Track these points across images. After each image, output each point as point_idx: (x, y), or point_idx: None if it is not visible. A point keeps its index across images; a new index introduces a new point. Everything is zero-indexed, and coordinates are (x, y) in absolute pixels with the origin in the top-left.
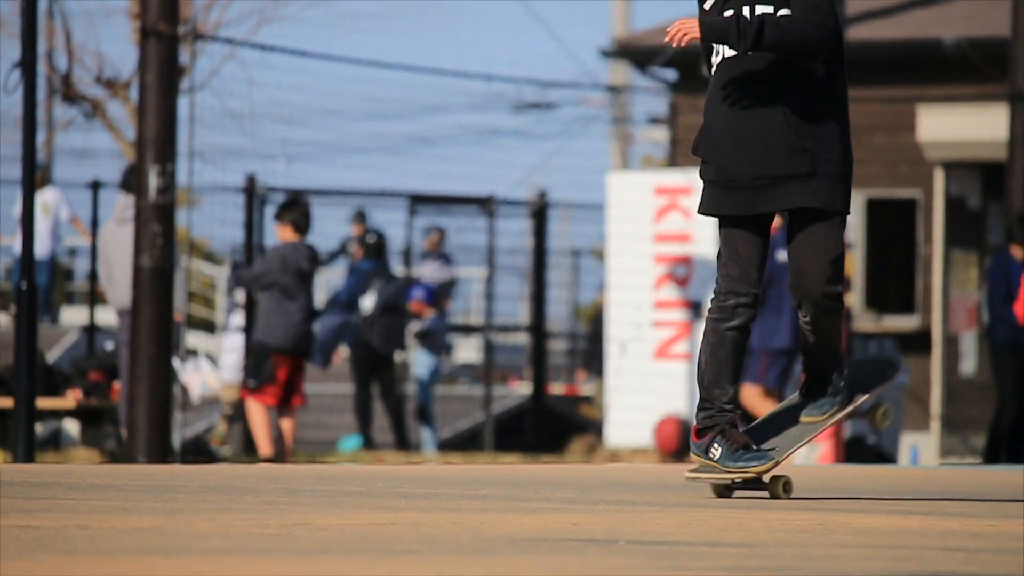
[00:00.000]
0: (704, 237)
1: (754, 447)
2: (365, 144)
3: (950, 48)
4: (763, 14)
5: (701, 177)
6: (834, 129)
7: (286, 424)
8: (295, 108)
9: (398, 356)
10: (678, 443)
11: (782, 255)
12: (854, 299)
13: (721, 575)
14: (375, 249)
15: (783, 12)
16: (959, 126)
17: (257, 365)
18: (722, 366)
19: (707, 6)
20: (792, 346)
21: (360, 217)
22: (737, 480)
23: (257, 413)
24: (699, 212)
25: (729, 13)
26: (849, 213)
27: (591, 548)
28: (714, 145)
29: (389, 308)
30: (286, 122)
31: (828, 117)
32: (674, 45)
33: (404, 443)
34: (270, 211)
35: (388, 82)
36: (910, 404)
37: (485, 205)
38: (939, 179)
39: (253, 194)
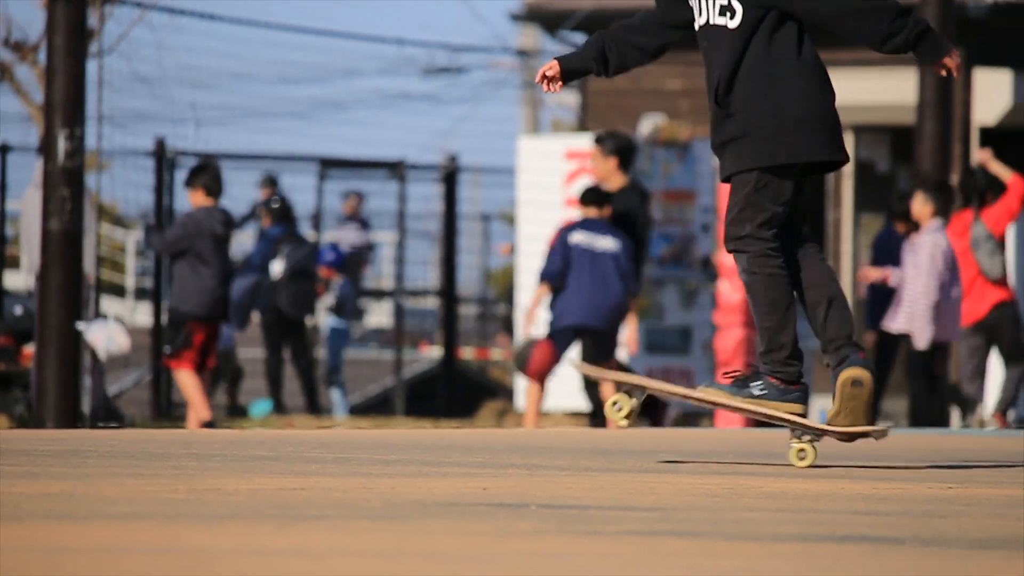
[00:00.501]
0: None
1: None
2: (276, 108)
3: None
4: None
5: None
6: (763, 87)
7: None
8: (205, 72)
9: (309, 321)
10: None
11: (576, 237)
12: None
13: (632, 539)
14: (281, 214)
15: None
16: (868, 90)
17: (174, 331)
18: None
19: None
20: (584, 325)
21: (269, 182)
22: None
23: (186, 379)
24: None
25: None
26: (778, 162)
27: (502, 512)
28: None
29: (297, 273)
30: (196, 86)
31: (759, 76)
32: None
33: (315, 407)
34: (180, 175)
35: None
36: (819, 367)
37: (395, 169)
38: (848, 143)
39: (162, 158)
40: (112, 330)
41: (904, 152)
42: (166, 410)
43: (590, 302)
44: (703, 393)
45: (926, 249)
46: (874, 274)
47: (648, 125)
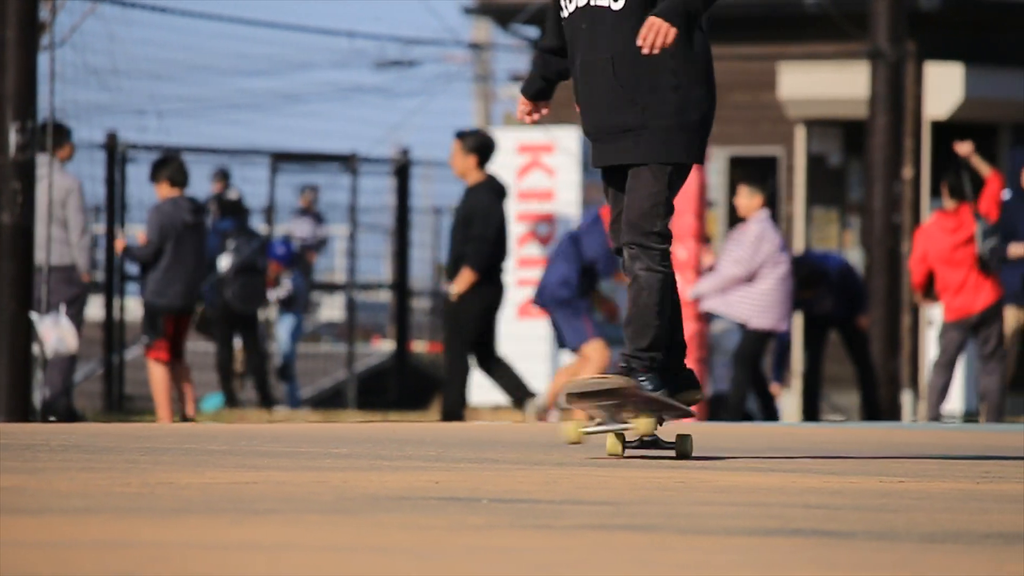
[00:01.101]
0: (566, 196)
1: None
2: (229, 100)
3: (811, 6)
4: None
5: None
6: (669, 80)
7: (183, 373)
8: (158, 64)
9: (261, 314)
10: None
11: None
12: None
13: (585, 533)
14: (231, 208)
15: None
16: (820, 84)
17: (149, 323)
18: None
19: None
20: None
21: (222, 175)
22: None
23: (158, 375)
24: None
25: None
26: (691, 162)
27: (454, 506)
28: (578, 98)
29: (245, 267)
30: (148, 78)
31: (664, 68)
32: (654, 51)
33: (267, 401)
34: (132, 168)
35: (252, 38)
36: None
37: (347, 163)
38: (800, 137)
39: (114, 151)
40: (64, 330)
41: (856, 146)
42: (118, 403)
43: None
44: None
45: (751, 236)
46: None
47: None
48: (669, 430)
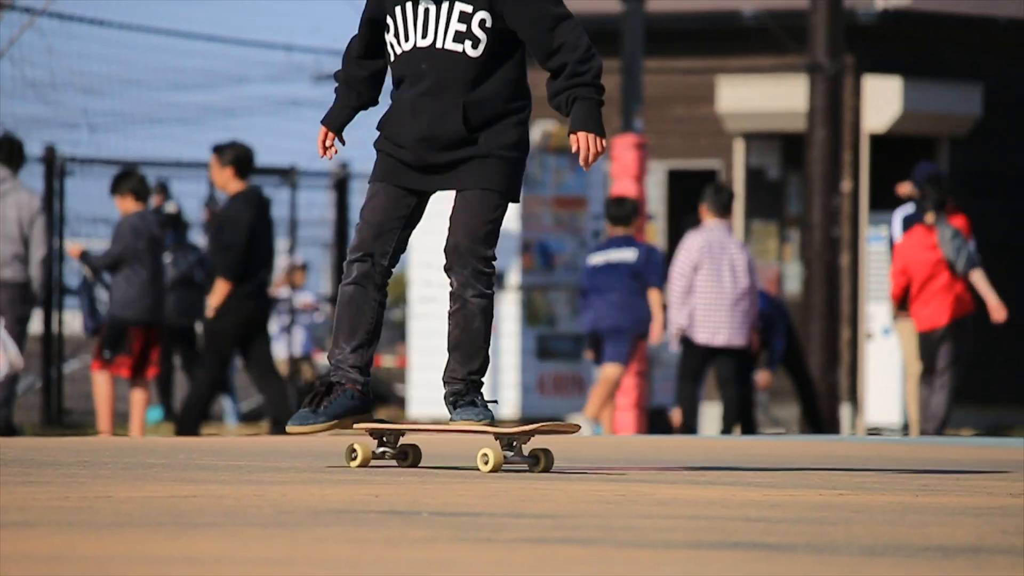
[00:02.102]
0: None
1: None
2: (165, 115)
3: (749, 19)
4: (574, 78)
5: (376, 147)
6: (512, 117)
7: (138, 395)
8: (95, 78)
9: (199, 327)
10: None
11: (595, 259)
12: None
13: (525, 546)
14: (171, 221)
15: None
16: (758, 97)
17: (114, 338)
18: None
19: None
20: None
21: (161, 188)
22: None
23: (102, 387)
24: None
25: (428, 5)
26: (516, 197)
27: (394, 520)
28: (397, 129)
29: (184, 281)
30: (86, 92)
31: (510, 108)
32: (589, 165)
33: (206, 415)
34: (69, 181)
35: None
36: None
37: (286, 176)
38: (739, 150)
39: (52, 164)
40: (10, 352)
41: (795, 159)
42: (56, 417)
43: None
44: (460, 424)
45: (680, 249)
46: None
47: (538, 132)
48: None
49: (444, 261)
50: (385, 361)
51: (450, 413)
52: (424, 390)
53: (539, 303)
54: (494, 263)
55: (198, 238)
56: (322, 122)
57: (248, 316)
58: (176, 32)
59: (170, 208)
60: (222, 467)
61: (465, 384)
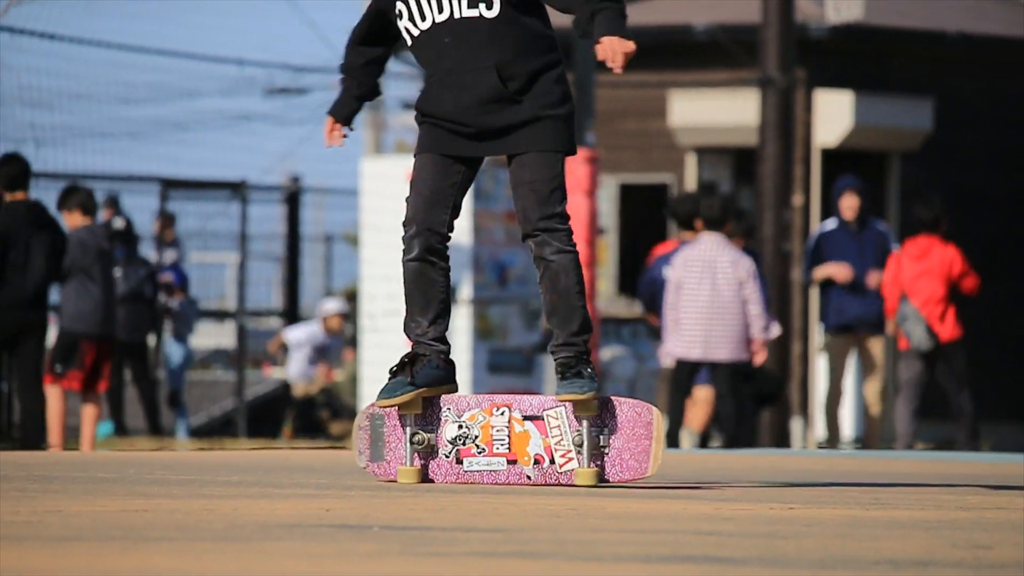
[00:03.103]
0: (458, 223)
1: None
2: (116, 129)
3: (701, 34)
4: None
5: (417, 121)
6: (551, 74)
7: (89, 410)
8: (44, 92)
9: (151, 342)
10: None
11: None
12: (607, 285)
13: (475, 561)
14: (122, 235)
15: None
16: (710, 111)
17: (66, 351)
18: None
19: None
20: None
21: (111, 202)
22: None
23: (53, 401)
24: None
25: None
26: (574, 150)
27: (345, 534)
28: (439, 107)
29: (133, 295)
30: (34, 106)
31: (546, 65)
32: (620, 67)
33: (156, 429)
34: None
35: (139, 66)
36: (663, 389)
37: (238, 190)
38: (691, 164)
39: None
40: None
41: (746, 173)
42: (6, 431)
43: None
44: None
45: (672, 267)
46: None
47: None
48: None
49: (520, 231)
50: (337, 375)
51: (557, 385)
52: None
53: (491, 317)
54: (567, 217)
55: (150, 252)
56: (328, 112)
57: (5, 326)
58: (127, 46)
59: (118, 223)
60: (173, 481)
61: (570, 350)
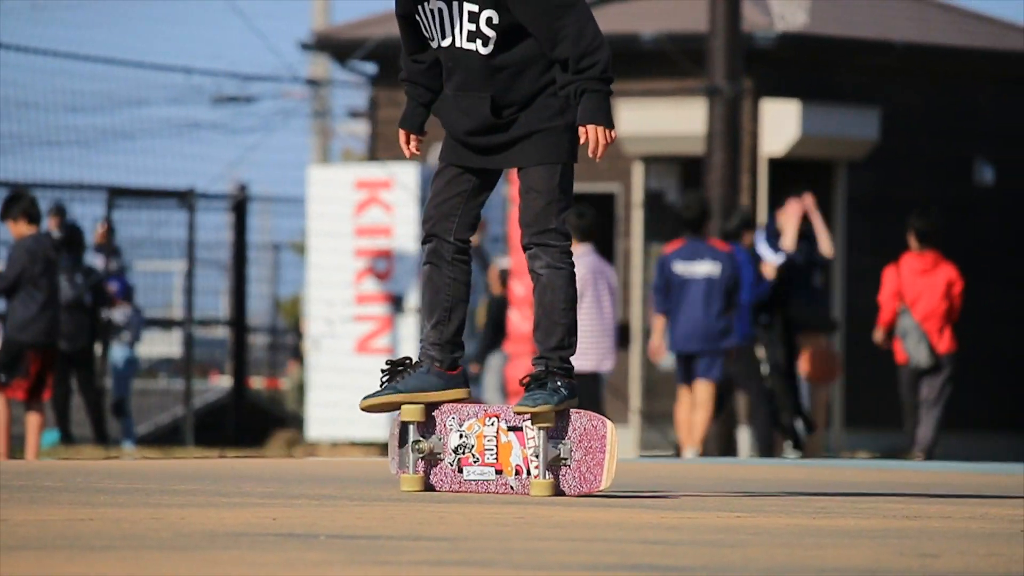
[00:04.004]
0: (404, 232)
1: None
2: (61, 137)
3: (648, 43)
4: (587, 73)
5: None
6: (549, 89)
7: (34, 418)
8: None
9: (97, 350)
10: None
11: (679, 268)
12: None
13: (422, 569)
14: (67, 243)
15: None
16: (657, 120)
17: (10, 360)
18: None
19: None
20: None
21: (58, 211)
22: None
23: (1, 413)
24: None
25: (439, 5)
26: (575, 160)
27: (291, 543)
28: (450, 116)
29: (75, 304)
30: None
31: (543, 80)
32: (599, 157)
33: (102, 438)
34: None
35: (85, 74)
36: (610, 398)
37: (185, 198)
38: (638, 173)
39: None
40: None
41: (693, 182)
42: None
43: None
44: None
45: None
46: None
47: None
48: None
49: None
50: (284, 383)
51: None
52: (323, 409)
53: None
54: (565, 233)
55: (96, 260)
56: (399, 125)
57: None
58: (74, 55)
59: (55, 234)
60: (119, 490)
61: (546, 363)
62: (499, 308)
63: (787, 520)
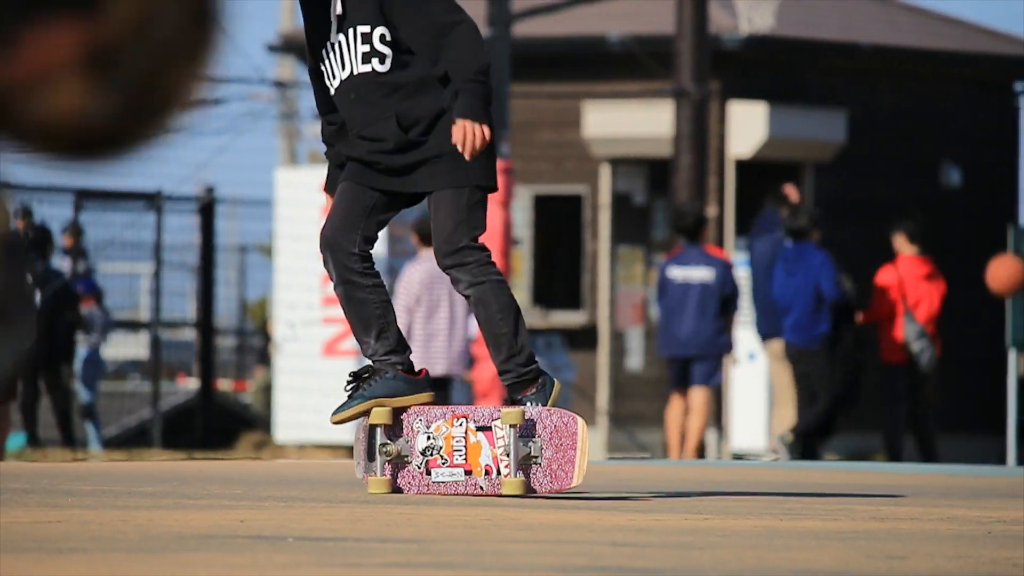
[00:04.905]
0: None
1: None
2: None
3: (615, 45)
4: (469, 77)
5: (342, 156)
6: (446, 113)
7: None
8: None
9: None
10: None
11: (676, 273)
12: (521, 296)
13: (391, 571)
14: (36, 245)
15: (381, 31)
16: (625, 122)
17: None
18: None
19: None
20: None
21: (24, 212)
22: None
23: None
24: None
25: (339, 38)
26: (487, 183)
27: (260, 545)
28: (347, 147)
29: (47, 305)
30: None
31: (434, 98)
32: (470, 154)
33: (70, 440)
34: None
35: None
36: (577, 400)
37: (152, 200)
38: (605, 175)
39: None
40: None
41: (661, 184)
42: None
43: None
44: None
45: (407, 283)
46: None
47: None
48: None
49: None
50: (251, 386)
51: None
52: (290, 412)
53: None
54: (479, 249)
55: (63, 263)
56: (325, 190)
57: None
58: None
59: (34, 233)
60: (87, 492)
61: (508, 377)
62: None
63: (756, 522)
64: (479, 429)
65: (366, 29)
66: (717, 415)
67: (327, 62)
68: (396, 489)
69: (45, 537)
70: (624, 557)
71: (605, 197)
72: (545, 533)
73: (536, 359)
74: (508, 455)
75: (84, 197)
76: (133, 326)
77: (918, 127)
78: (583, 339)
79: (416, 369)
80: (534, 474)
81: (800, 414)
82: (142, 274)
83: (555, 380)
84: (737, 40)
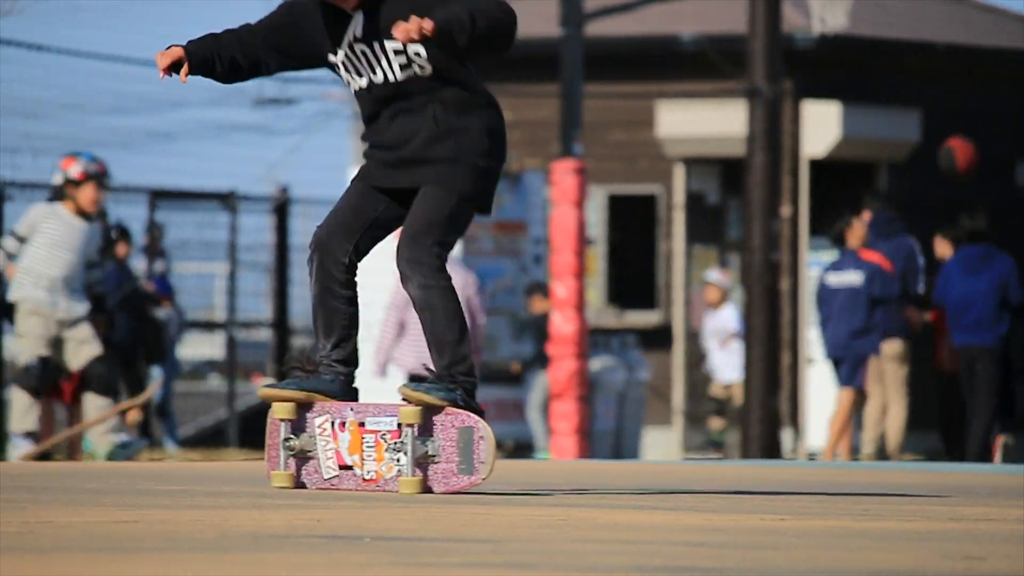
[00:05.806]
0: None
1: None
2: (105, 139)
3: (688, 44)
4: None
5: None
6: (477, 125)
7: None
8: (35, 103)
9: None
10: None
11: (831, 279)
12: (596, 295)
13: (465, 571)
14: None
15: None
16: (698, 122)
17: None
18: None
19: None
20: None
21: (100, 214)
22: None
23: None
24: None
25: (361, 47)
26: (479, 204)
27: (336, 545)
28: (377, 133)
29: (126, 304)
30: (26, 116)
31: (468, 111)
32: (410, 38)
33: (148, 440)
34: (9, 207)
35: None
36: (652, 399)
37: (226, 201)
38: (679, 175)
39: None
40: None
41: (734, 184)
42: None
43: None
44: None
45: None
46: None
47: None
48: None
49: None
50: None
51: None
52: None
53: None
54: (439, 252)
55: (139, 263)
56: (186, 44)
57: None
58: (116, 57)
59: (114, 234)
60: (163, 492)
61: (445, 382)
62: (540, 328)
63: (830, 522)
64: (361, 425)
65: (398, 45)
66: (792, 415)
67: (349, 60)
68: (300, 484)
69: (121, 537)
70: (699, 557)
71: (679, 197)
72: (620, 533)
73: (475, 375)
74: (406, 454)
75: (159, 197)
76: (208, 326)
77: (992, 127)
78: (657, 339)
79: (355, 387)
80: (432, 473)
81: (977, 414)
82: (217, 274)
83: (484, 414)
84: (810, 39)
